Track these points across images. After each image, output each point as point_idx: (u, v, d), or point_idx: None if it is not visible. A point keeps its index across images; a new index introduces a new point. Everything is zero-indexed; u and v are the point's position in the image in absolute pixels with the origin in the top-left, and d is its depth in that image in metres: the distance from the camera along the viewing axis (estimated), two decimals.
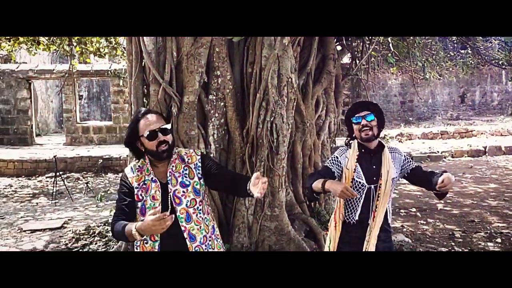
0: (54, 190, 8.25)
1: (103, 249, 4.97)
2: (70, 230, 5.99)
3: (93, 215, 6.99)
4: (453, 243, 5.31)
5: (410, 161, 2.67)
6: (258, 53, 4.13)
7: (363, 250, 2.56)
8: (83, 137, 14.43)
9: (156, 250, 2.24)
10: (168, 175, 2.26)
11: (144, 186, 2.24)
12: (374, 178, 2.59)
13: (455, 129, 15.28)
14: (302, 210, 4.71)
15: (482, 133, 14.71)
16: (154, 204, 2.21)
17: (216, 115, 4.28)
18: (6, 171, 11.06)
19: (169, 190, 2.24)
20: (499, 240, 5.32)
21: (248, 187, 2.09)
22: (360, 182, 2.59)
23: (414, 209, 7.10)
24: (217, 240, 2.39)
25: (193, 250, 2.24)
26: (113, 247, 4.87)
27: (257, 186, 2.02)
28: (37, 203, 8.01)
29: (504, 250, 4.99)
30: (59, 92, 15.51)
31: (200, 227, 2.28)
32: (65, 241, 5.49)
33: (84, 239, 5.43)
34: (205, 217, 2.33)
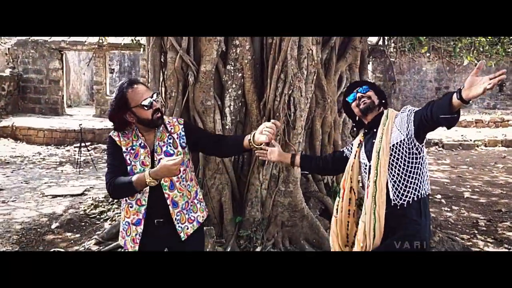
0: (79, 159, 8.38)
1: (119, 216, 5.01)
2: (90, 197, 6.07)
3: None
4: (476, 231, 5.10)
5: (412, 111, 2.24)
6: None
7: (360, 231, 2.29)
8: None
9: (142, 214, 2.27)
10: (155, 143, 2.29)
11: (132, 151, 2.27)
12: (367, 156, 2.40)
13: (490, 118, 14.70)
14: (319, 189, 4.59)
15: None
16: (143, 170, 2.21)
17: (234, 86, 4.17)
18: (36, 139, 11.35)
19: (155, 158, 2.26)
20: None
21: (250, 139, 2.22)
22: (363, 163, 2.42)
23: (439, 196, 6.87)
24: (199, 204, 2.46)
25: (175, 216, 2.30)
26: None
27: (261, 131, 2.14)
28: (62, 171, 8.17)
29: None
30: (88, 63, 15.67)
31: (183, 194, 2.34)
32: (84, 207, 5.57)
33: (102, 206, 5.49)
34: (188, 184, 2.37)
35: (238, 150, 2.47)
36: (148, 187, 2.20)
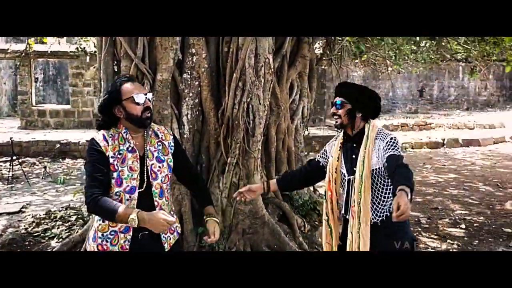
0: (10, 175, 7.81)
1: (67, 234, 4.74)
2: (29, 215, 5.68)
3: (53, 199, 6.67)
4: (419, 229, 5.42)
5: (390, 147, 2.30)
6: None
7: (347, 249, 2.39)
8: (39, 121, 13.78)
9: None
10: (145, 148, 2.21)
11: (119, 156, 2.14)
12: (354, 169, 2.41)
13: (414, 121, 15.69)
14: (275, 195, 4.65)
15: (440, 126, 15.19)
16: (132, 175, 2.13)
17: (191, 94, 4.13)
18: None
19: (147, 164, 2.19)
20: (463, 226, 5.48)
21: (204, 219, 2.37)
22: (342, 173, 2.48)
23: None
24: (174, 214, 2.44)
25: None
26: (77, 231, 4.65)
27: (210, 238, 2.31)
28: None
29: (468, 235, 5.14)
30: (15, 71, 14.70)
31: (168, 202, 2.31)
32: (25, 226, 5.20)
33: (45, 223, 5.16)
34: (170, 192, 2.36)
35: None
36: (137, 194, 2.13)
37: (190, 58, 4.09)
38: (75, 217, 5.23)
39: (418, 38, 7.77)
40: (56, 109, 14.27)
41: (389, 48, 5.84)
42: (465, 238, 5.04)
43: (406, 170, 2.15)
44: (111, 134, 2.16)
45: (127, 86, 2.15)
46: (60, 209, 5.79)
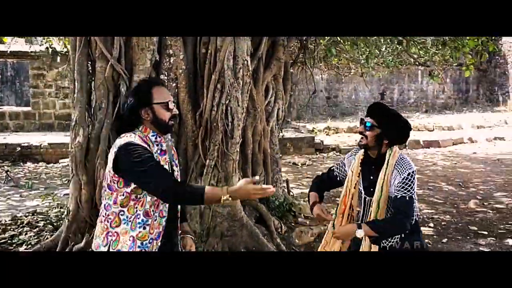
0: None
1: (35, 240, 4.57)
2: None
3: (17, 205, 6.40)
4: None
5: (403, 186, 2.33)
6: None
7: None
8: None
9: (162, 226, 2.15)
10: (170, 152, 2.24)
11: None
12: (371, 190, 2.43)
13: None
14: None
15: None
16: None
17: None
18: None
19: (173, 168, 2.24)
20: (431, 224, 5.66)
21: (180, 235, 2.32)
22: (360, 190, 2.51)
23: None
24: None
25: (180, 230, 2.31)
26: (46, 237, 4.49)
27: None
28: None
29: (437, 234, 5.31)
30: None
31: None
32: None
33: (11, 229, 4.95)
34: None
35: None
36: None
37: (167, 59, 4.05)
38: (43, 222, 5.05)
39: (382, 40, 8.01)
40: (16, 111, 13.73)
41: (361, 52, 5.99)
42: (435, 236, 5.20)
43: (394, 219, 2.35)
44: (139, 137, 2.08)
45: (160, 89, 2.15)
46: (27, 214, 5.57)
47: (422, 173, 9.68)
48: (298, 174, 9.50)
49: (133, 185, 2.03)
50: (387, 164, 2.38)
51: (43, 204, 6.09)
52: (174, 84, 4.08)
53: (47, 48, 6.57)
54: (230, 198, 1.95)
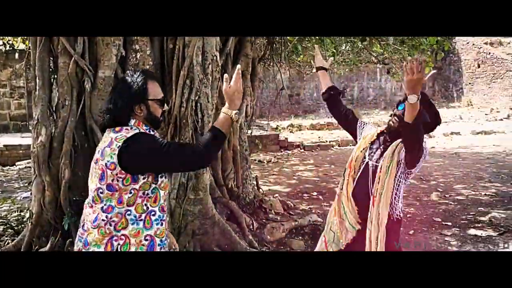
0: None
1: None
2: None
3: None
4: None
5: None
6: None
7: (366, 238, 2.52)
8: None
9: (164, 221, 2.07)
10: None
11: None
12: (378, 157, 2.59)
13: None
14: (223, 194, 4.61)
15: None
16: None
17: None
18: None
19: None
20: None
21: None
22: (365, 155, 2.64)
23: (315, 193, 7.41)
24: None
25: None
26: (7, 242, 4.27)
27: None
28: None
29: (403, 226, 5.37)
30: None
31: None
32: None
33: None
34: None
35: None
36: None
37: (134, 55, 3.93)
38: (2, 227, 4.79)
39: (343, 39, 8.12)
40: None
41: (327, 48, 6.04)
42: (401, 228, 5.30)
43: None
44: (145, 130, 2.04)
45: (154, 84, 2.05)
46: None
47: None
48: (264, 171, 9.51)
49: (142, 180, 1.93)
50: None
51: (1, 208, 5.80)
52: None
53: (3, 44, 6.25)
54: (234, 110, 2.01)
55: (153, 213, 1.98)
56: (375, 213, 2.47)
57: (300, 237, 4.65)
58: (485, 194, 7.03)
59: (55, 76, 3.81)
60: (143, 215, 1.96)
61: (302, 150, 12.68)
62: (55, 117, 3.81)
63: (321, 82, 3.01)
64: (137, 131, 1.96)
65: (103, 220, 1.93)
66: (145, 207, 1.96)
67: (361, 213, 2.62)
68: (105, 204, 1.93)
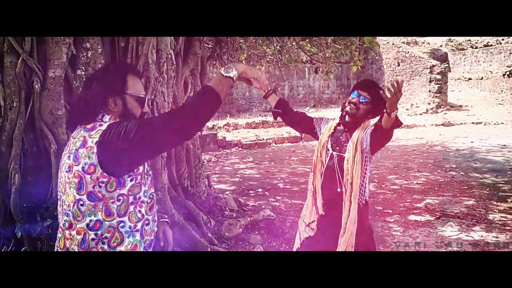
0: None
1: None
2: None
3: None
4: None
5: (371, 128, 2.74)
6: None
7: (342, 223, 2.63)
8: None
9: (154, 234, 1.88)
10: None
11: None
12: (341, 146, 2.73)
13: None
14: (178, 194, 4.58)
15: None
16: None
17: None
18: None
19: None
20: None
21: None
22: (327, 147, 2.76)
23: (260, 190, 7.56)
24: None
25: None
26: None
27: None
28: None
29: None
30: None
31: None
32: None
33: None
34: None
35: None
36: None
37: (85, 53, 3.79)
38: None
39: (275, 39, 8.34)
40: None
41: (274, 47, 6.18)
42: None
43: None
44: None
45: (136, 80, 1.81)
46: None
47: None
48: (206, 170, 9.49)
49: (129, 183, 1.67)
50: (362, 127, 2.70)
51: None
52: None
53: None
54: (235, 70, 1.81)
55: (147, 222, 1.77)
56: (347, 200, 2.63)
57: (257, 232, 4.75)
58: (417, 183, 7.58)
59: (1, 77, 3.58)
60: (139, 225, 1.72)
61: (241, 149, 12.82)
62: (2, 120, 3.58)
63: (271, 103, 2.99)
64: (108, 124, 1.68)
65: (92, 239, 1.65)
66: (139, 215, 1.72)
67: (326, 204, 2.77)
68: (90, 220, 1.63)
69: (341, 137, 2.77)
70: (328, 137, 2.81)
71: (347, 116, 2.74)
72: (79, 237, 1.64)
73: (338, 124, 2.85)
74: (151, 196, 1.81)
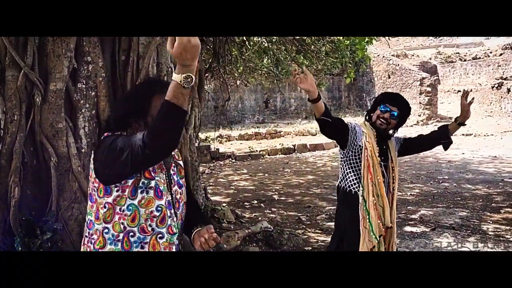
0: None
1: None
2: None
3: None
4: (304, 226, 5.88)
5: (400, 138, 3.19)
6: (135, 39, 3.88)
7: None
8: None
9: (175, 246, 1.90)
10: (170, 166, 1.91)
11: None
12: (383, 158, 2.92)
13: (266, 130, 16.76)
14: None
15: (288, 134, 16.52)
16: (164, 188, 1.80)
17: (87, 105, 3.84)
18: None
19: (171, 190, 1.86)
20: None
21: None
22: (379, 159, 2.91)
23: (255, 201, 7.57)
24: None
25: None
26: None
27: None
28: None
29: None
30: None
31: None
32: None
33: None
34: None
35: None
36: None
37: (86, 67, 3.81)
38: None
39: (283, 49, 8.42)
40: None
41: (270, 61, 6.25)
42: None
43: None
44: None
45: (161, 98, 1.60)
46: None
47: (315, 173, 10.36)
48: (200, 182, 9.51)
49: (115, 193, 1.71)
50: (390, 139, 3.06)
51: None
52: (93, 93, 3.85)
53: None
54: (181, 74, 1.45)
55: (131, 234, 1.74)
56: (394, 210, 2.90)
57: (255, 244, 4.77)
58: (411, 194, 7.65)
59: (3, 90, 3.59)
60: (121, 235, 1.74)
61: (234, 160, 12.85)
62: (3, 133, 3.59)
63: (318, 109, 2.87)
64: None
65: (86, 236, 1.80)
66: (121, 226, 1.73)
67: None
68: (88, 219, 1.81)
69: (384, 147, 2.96)
70: (376, 147, 2.94)
71: (380, 128, 2.96)
72: (84, 230, 1.84)
73: (377, 135, 3.00)
74: (130, 208, 1.74)
